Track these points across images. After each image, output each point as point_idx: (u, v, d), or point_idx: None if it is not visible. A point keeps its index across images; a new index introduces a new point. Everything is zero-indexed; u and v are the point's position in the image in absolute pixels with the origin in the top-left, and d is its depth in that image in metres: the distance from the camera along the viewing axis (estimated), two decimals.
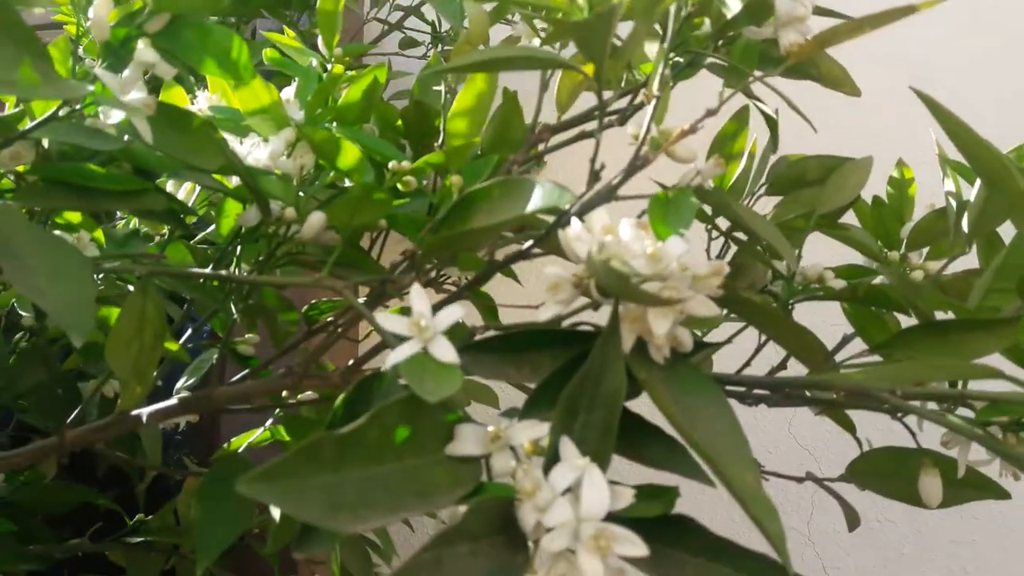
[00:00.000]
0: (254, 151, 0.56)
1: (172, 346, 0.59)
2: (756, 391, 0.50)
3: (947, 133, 0.37)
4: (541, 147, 0.55)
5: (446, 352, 0.34)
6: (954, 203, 0.50)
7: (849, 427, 0.52)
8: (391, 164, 0.46)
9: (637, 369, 0.33)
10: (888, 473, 0.47)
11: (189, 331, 0.65)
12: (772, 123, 0.50)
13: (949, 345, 0.36)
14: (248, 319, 0.67)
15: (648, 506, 0.32)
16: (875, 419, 0.53)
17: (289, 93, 0.65)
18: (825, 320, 0.53)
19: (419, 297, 0.36)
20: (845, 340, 0.50)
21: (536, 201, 0.36)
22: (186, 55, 0.51)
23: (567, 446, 0.32)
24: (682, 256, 0.32)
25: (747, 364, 0.50)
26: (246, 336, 0.70)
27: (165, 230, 0.66)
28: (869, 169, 0.49)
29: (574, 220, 0.33)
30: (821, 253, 0.56)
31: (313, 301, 0.62)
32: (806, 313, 0.55)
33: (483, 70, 0.47)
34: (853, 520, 0.55)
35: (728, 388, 0.49)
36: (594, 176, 0.38)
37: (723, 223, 0.55)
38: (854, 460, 0.50)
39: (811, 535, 1.10)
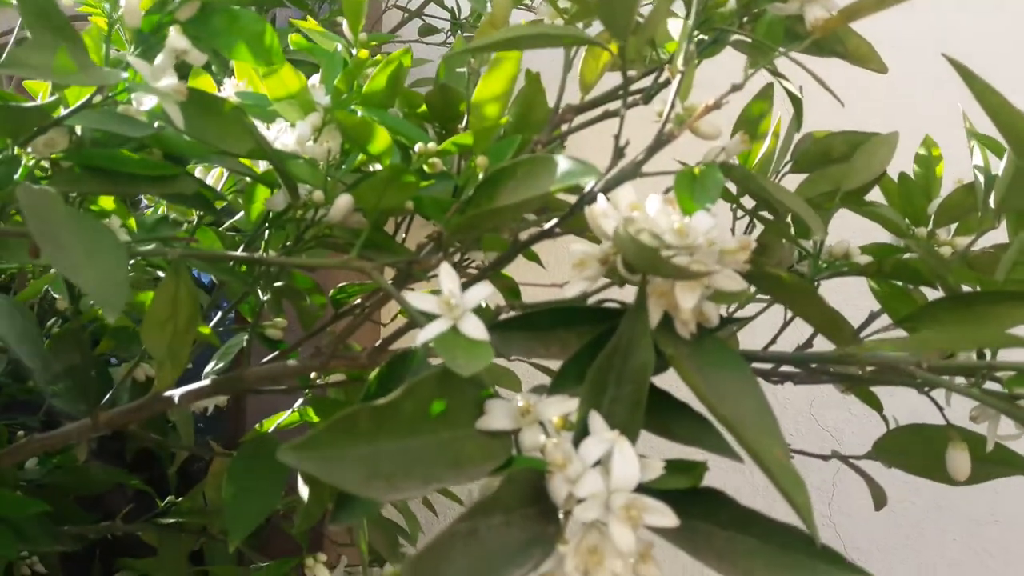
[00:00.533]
0: (281, 136, 0.57)
1: (204, 330, 0.60)
2: (782, 368, 0.50)
3: (979, 100, 0.37)
4: (565, 127, 0.55)
5: (476, 329, 0.35)
6: (982, 178, 0.50)
7: (875, 405, 0.52)
8: (417, 146, 0.47)
9: (664, 344, 0.33)
10: (914, 450, 0.47)
11: (218, 315, 0.66)
12: (796, 101, 0.50)
13: (975, 317, 0.36)
14: (275, 304, 0.68)
15: (677, 479, 0.32)
16: (901, 400, 0.53)
17: (315, 80, 0.66)
18: (849, 301, 0.53)
19: (448, 276, 0.36)
20: (872, 317, 0.50)
21: (560, 177, 0.36)
22: (217, 41, 0.52)
23: (596, 420, 0.32)
24: (710, 230, 0.32)
25: (773, 341, 0.50)
26: (275, 320, 0.71)
27: (194, 216, 0.67)
28: (895, 145, 0.49)
29: (600, 197, 0.34)
30: (847, 231, 0.56)
31: (341, 284, 0.63)
32: (831, 293, 0.55)
33: (509, 48, 0.47)
34: (880, 498, 0.55)
35: (754, 365, 0.50)
36: (618, 153, 0.39)
37: (748, 203, 0.55)
38: (880, 438, 0.50)
39: (832, 516, 1.10)
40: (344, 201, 0.47)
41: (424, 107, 0.63)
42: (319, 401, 0.67)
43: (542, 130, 0.53)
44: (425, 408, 0.31)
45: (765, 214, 0.54)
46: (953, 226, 0.56)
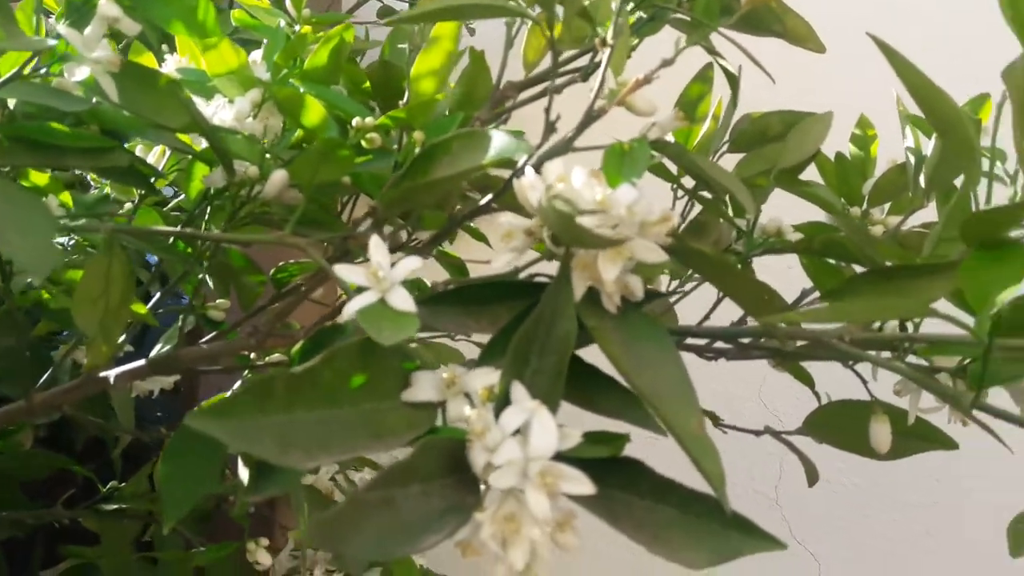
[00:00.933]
0: (219, 112, 0.56)
1: (140, 309, 0.59)
2: (716, 345, 0.50)
3: (901, 79, 0.37)
4: (510, 103, 0.55)
5: (404, 301, 0.35)
6: (913, 158, 0.51)
7: (807, 381, 0.53)
8: (355, 121, 0.47)
9: (587, 317, 0.33)
10: (843, 426, 0.48)
11: (157, 296, 0.65)
12: (733, 79, 0.50)
13: (896, 290, 0.36)
14: (221, 286, 0.67)
15: (596, 448, 0.32)
16: (837, 378, 0.54)
17: (257, 56, 0.65)
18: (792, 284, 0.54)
19: (377, 248, 0.36)
20: (804, 294, 0.51)
21: (494, 152, 0.36)
22: (151, 13, 0.51)
23: (518, 390, 0.32)
24: (633, 203, 0.32)
25: (707, 317, 0.51)
26: (217, 301, 0.70)
27: (136, 196, 0.66)
28: (829, 123, 0.50)
29: (528, 169, 0.34)
30: (785, 212, 0.56)
31: (281, 263, 0.62)
32: (769, 272, 0.56)
33: (445, 18, 0.47)
34: (812, 475, 0.56)
35: (688, 342, 0.50)
36: (550, 128, 0.39)
37: (689, 184, 0.55)
38: (811, 413, 0.51)
39: (779, 499, 1.12)
40: (279, 176, 0.47)
41: (368, 84, 0.63)
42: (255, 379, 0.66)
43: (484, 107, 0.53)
44: (345, 378, 0.31)
45: (705, 194, 0.54)
46: (887, 205, 0.57)
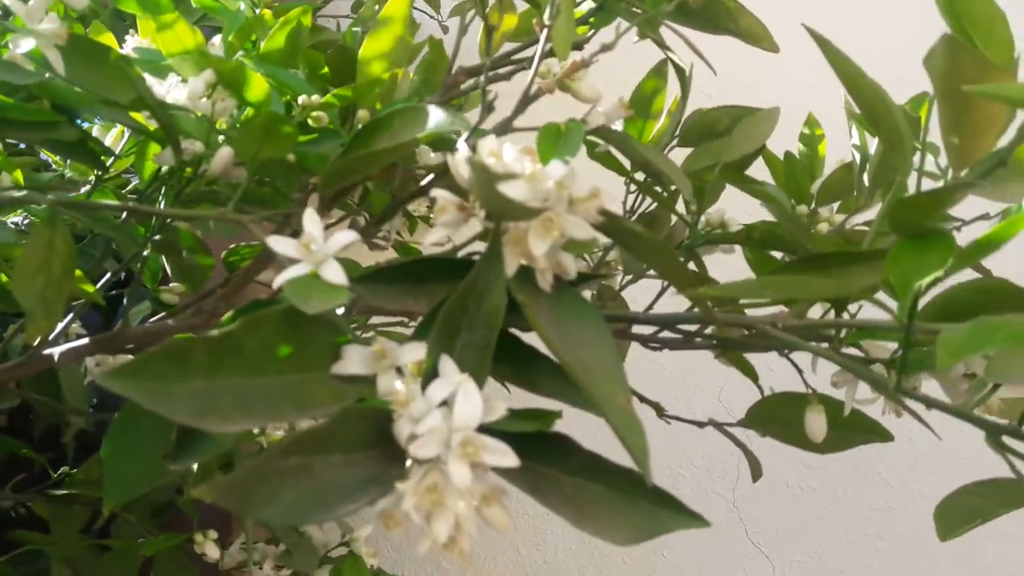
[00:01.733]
0: (173, 91, 0.56)
1: (88, 287, 0.58)
2: (662, 335, 0.51)
3: (835, 70, 0.38)
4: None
5: (336, 274, 0.35)
6: (859, 156, 0.52)
7: (751, 374, 0.54)
8: (301, 99, 0.46)
9: (517, 292, 0.33)
10: (783, 418, 0.49)
11: (107, 276, 0.65)
12: (682, 72, 0.51)
13: (828, 277, 0.37)
14: (177, 270, 0.66)
15: (522, 423, 0.33)
16: (786, 374, 0.54)
17: (217, 39, 0.65)
18: None
19: (311, 221, 0.36)
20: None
21: (432, 126, 0.36)
22: None
23: (446, 363, 0.32)
24: (562, 178, 0.33)
25: (651, 306, 0.51)
26: (171, 285, 0.70)
27: (93, 176, 0.65)
28: (775, 119, 0.50)
29: (461, 144, 0.34)
30: (740, 211, 0.57)
31: (233, 246, 0.62)
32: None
33: None
34: (756, 470, 0.57)
35: (634, 331, 0.51)
36: (487, 108, 0.39)
37: (642, 179, 0.56)
38: (752, 406, 0.51)
39: (736, 501, 1.13)
40: (224, 153, 0.47)
41: (326, 70, 0.63)
42: None
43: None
44: (270, 347, 0.31)
45: (657, 189, 0.55)
46: (836, 204, 0.58)
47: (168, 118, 0.49)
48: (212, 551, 0.67)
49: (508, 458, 0.30)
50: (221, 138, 0.53)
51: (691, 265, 0.58)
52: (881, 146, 0.46)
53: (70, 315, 0.62)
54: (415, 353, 0.34)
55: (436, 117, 0.37)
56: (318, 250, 0.35)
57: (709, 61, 0.45)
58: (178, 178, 0.51)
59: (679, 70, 0.51)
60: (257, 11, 0.66)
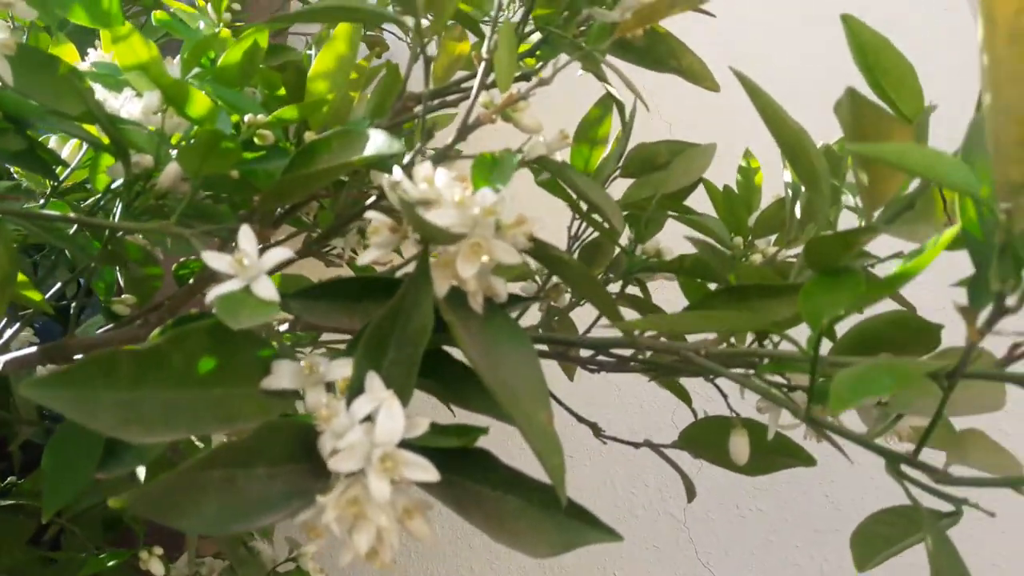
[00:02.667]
0: (127, 105, 0.57)
1: (35, 295, 0.58)
2: (599, 358, 0.52)
3: (757, 109, 0.40)
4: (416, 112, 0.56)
5: (267, 290, 0.36)
6: (790, 192, 0.54)
7: (684, 397, 0.55)
8: (247, 117, 0.47)
9: (445, 312, 0.35)
10: (713, 441, 0.50)
11: (57, 286, 0.65)
12: (620, 106, 0.52)
13: (747, 308, 0.39)
14: (131, 283, 0.67)
15: (445, 438, 0.34)
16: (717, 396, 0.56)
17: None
18: None
19: (245, 237, 0.37)
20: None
21: (370, 149, 0.37)
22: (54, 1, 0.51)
23: (373, 380, 0.33)
24: (493, 204, 0.34)
25: (589, 329, 0.53)
26: (123, 296, 0.70)
27: (48, 187, 0.66)
28: (711, 154, 0.52)
29: (396, 168, 0.35)
30: (683, 242, 0.59)
31: (183, 259, 0.62)
32: None
33: (326, 19, 0.49)
34: (690, 491, 0.58)
35: (572, 355, 0.52)
36: (427, 135, 0.40)
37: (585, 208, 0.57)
38: (686, 428, 0.53)
39: (687, 521, 1.15)
40: (172, 168, 0.47)
41: (283, 90, 0.64)
42: None
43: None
44: (195, 361, 0.32)
45: (597, 218, 0.56)
46: (773, 237, 0.60)
47: (118, 132, 0.49)
48: (157, 568, 0.67)
49: (428, 473, 0.31)
50: (174, 153, 0.53)
51: (636, 290, 0.60)
52: (807, 194, 0.48)
53: (17, 324, 0.62)
54: (344, 369, 0.35)
55: (375, 141, 0.38)
56: (251, 266, 0.36)
57: (644, 98, 0.47)
58: (128, 191, 0.51)
59: (618, 104, 0.53)
60: (217, 29, 0.67)
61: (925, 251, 0.31)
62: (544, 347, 0.52)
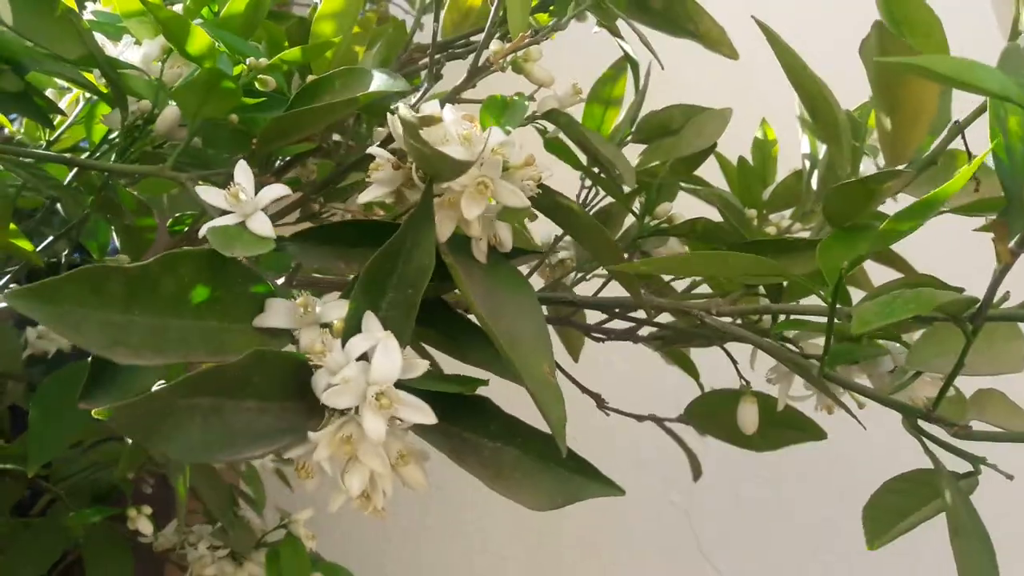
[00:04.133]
0: (126, 53, 0.55)
1: (25, 244, 0.57)
2: (606, 325, 0.51)
3: (780, 62, 0.38)
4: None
5: (263, 226, 0.34)
6: (808, 164, 0.52)
7: (691, 371, 0.54)
8: (248, 60, 0.46)
9: (446, 254, 0.33)
10: (721, 414, 0.49)
11: (50, 240, 0.63)
12: (634, 64, 0.51)
13: (764, 264, 0.37)
14: (121, 233, 0.65)
15: (443, 383, 0.32)
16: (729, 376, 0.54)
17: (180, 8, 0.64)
18: None
19: (242, 172, 0.35)
20: (694, 284, 0.52)
21: (374, 86, 0.36)
22: None
23: (370, 319, 0.32)
24: (501, 144, 0.33)
25: (597, 292, 0.51)
26: (118, 256, 0.68)
27: (45, 140, 0.64)
28: (727, 119, 0.51)
29: (402, 105, 0.34)
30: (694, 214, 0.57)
31: (178, 214, 0.61)
32: None
33: None
34: (696, 469, 0.57)
35: (579, 323, 0.50)
36: (435, 77, 0.39)
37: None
38: (692, 402, 0.51)
39: (690, 510, 1.13)
40: (171, 112, 0.46)
41: (287, 44, 0.62)
42: None
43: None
44: (188, 289, 0.31)
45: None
46: (788, 212, 0.58)
47: (116, 76, 0.48)
48: (145, 527, 0.66)
49: (425, 415, 0.30)
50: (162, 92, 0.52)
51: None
52: (828, 153, 0.47)
53: (7, 277, 0.60)
54: (340, 310, 0.33)
55: (379, 79, 0.37)
56: (247, 200, 0.35)
57: (660, 58, 0.46)
58: (125, 137, 0.50)
59: (633, 63, 0.51)
60: None
61: (952, 180, 0.29)
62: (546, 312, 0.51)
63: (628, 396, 0.54)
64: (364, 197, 0.35)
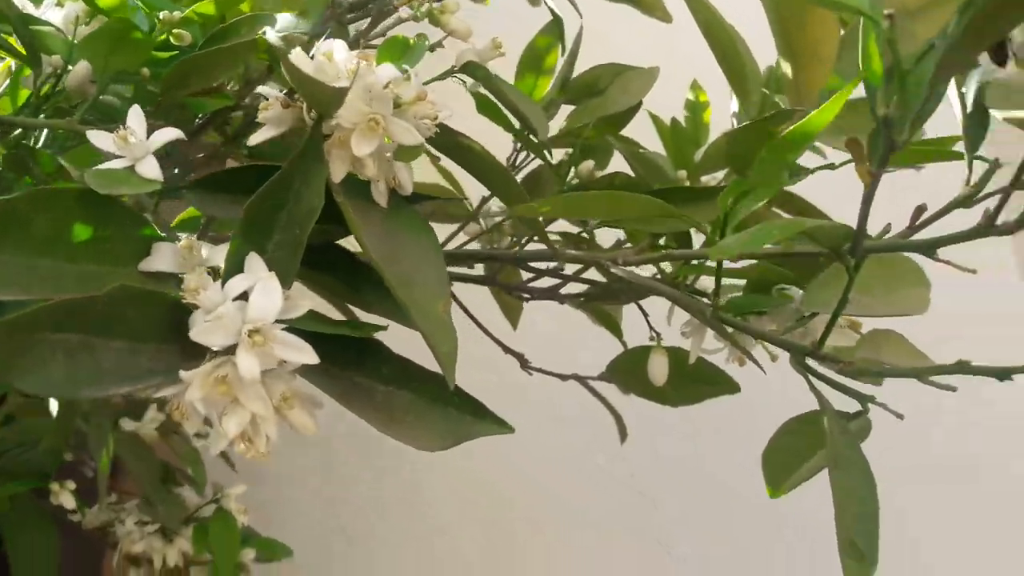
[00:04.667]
0: (47, 13, 0.54)
1: None
2: (530, 285, 0.50)
3: (693, 13, 0.38)
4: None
5: (151, 170, 0.33)
6: (735, 123, 0.52)
7: (614, 329, 0.53)
8: (162, 14, 0.45)
9: (336, 193, 0.33)
10: (641, 370, 0.48)
11: None
12: (558, 20, 0.50)
13: (657, 206, 0.37)
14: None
15: (328, 325, 0.32)
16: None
17: None
18: None
19: (134, 116, 0.35)
20: (619, 243, 0.51)
21: (277, 28, 0.35)
22: None
23: (253, 260, 0.31)
24: (391, 80, 0.32)
25: (516, 248, 0.51)
26: None
27: None
28: (653, 77, 0.50)
29: (297, 48, 0.33)
30: None
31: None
32: None
33: None
34: (623, 430, 0.56)
35: (500, 281, 0.50)
36: (332, 17, 0.38)
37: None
38: (614, 359, 0.51)
39: (655, 500, 1.12)
40: (82, 67, 0.45)
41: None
42: None
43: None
44: (64, 231, 0.30)
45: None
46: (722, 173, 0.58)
47: (26, 30, 0.47)
48: (68, 501, 0.64)
49: (305, 354, 0.29)
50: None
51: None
52: (741, 106, 0.46)
53: None
54: (223, 253, 0.32)
55: (283, 20, 0.36)
56: (137, 144, 0.34)
57: (590, 22, 0.45)
58: (37, 94, 0.48)
59: (559, 22, 0.51)
60: None
61: (823, 107, 0.29)
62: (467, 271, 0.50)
63: (553, 356, 0.54)
64: (255, 139, 0.34)
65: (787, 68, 0.35)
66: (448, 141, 0.35)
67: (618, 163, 0.57)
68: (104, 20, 0.53)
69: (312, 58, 0.34)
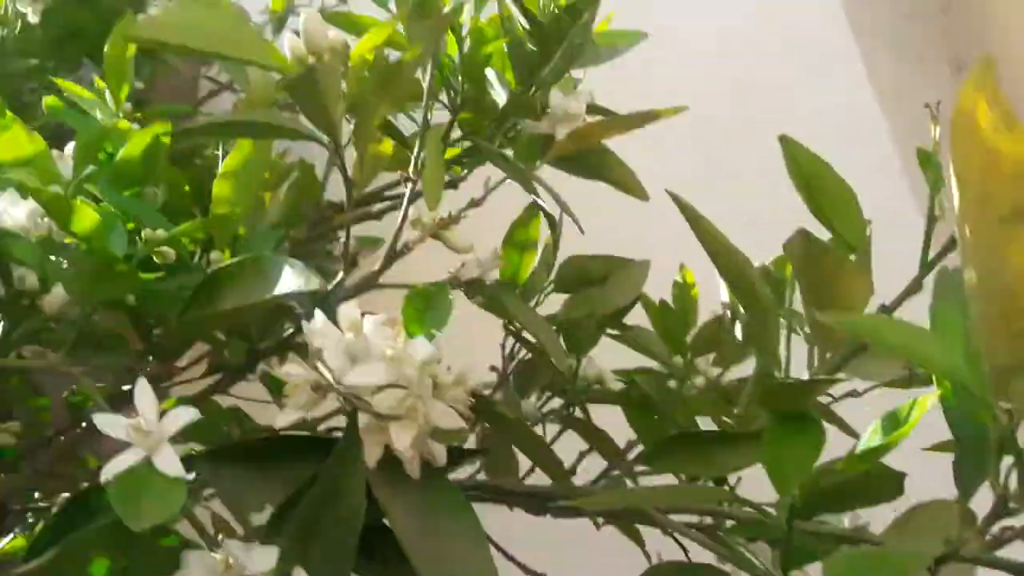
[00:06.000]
0: (10, 209, 0.51)
1: None
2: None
3: (699, 239, 0.38)
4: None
5: (171, 464, 0.31)
6: (729, 313, 0.52)
7: (637, 540, 0.52)
8: (144, 232, 0.42)
9: (377, 487, 0.30)
10: None
11: None
12: (552, 220, 0.50)
13: (705, 457, 0.36)
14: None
15: None
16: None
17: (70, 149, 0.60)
18: None
19: (143, 395, 0.32)
20: (630, 445, 0.51)
21: (284, 285, 0.33)
22: None
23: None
24: (428, 359, 0.30)
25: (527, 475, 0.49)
26: (7, 424, 0.62)
27: None
28: (646, 271, 0.51)
29: (318, 313, 0.31)
30: (624, 353, 0.56)
31: (75, 386, 0.55)
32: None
33: (233, 134, 0.45)
34: None
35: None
36: (351, 263, 0.37)
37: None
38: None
39: None
40: (60, 291, 0.42)
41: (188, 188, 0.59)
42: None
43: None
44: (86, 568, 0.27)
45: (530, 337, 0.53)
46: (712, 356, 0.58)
47: None
48: None
49: None
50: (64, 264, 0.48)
51: (577, 412, 0.55)
52: (750, 319, 0.46)
53: None
54: (266, 560, 0.30)
55: (289, 277, 0.34)
56: (151, 431, 0.31)
57: (575, 217, 0.45)
58: (8, 313, 0.45)
59: (549, 218, 0.50)
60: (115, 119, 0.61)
61: (905, 422, 0.29)
62: None
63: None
64: (280, 422, 0.32)
65: (815, 313, 0.35)
66: (481, 409, 0.33)
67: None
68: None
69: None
